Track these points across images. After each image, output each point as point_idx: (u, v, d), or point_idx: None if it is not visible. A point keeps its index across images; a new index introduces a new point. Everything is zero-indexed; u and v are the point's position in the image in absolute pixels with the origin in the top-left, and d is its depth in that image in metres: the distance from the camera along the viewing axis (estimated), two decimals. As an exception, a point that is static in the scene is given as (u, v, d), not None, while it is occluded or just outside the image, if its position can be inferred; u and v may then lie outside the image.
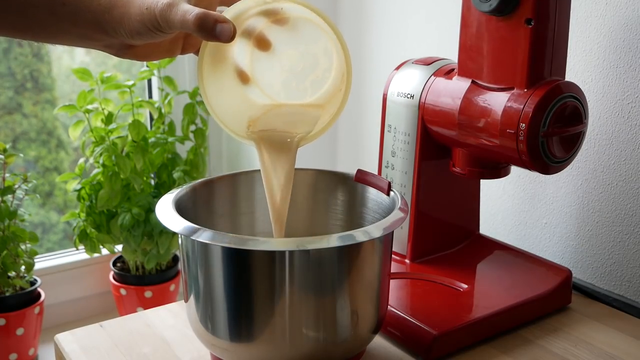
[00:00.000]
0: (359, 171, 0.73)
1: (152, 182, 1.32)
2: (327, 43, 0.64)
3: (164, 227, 0.71)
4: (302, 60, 0.67)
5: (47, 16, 0.58)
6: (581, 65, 0.86)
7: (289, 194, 0.67)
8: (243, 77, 0.67)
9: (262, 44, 0.65)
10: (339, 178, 0.75)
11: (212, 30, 0.56)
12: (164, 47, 0.64)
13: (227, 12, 0.60)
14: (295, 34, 0.65)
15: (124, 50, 0.61)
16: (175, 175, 1.26)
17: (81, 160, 1.27)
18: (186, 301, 0.65)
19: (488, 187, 0.99)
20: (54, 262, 1.36)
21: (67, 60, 1.47)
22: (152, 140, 1.27)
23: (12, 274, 1.20)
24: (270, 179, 0.67)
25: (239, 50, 0.66)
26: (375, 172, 0.79)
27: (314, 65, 0.67)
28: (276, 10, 0.63)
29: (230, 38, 0.56)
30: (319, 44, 0.64)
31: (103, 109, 1.24)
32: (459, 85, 0.74)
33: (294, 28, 0.65)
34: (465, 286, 0.77)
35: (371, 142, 1.21)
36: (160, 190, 1.29)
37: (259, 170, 0.75)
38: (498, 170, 0.77)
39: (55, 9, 0.57)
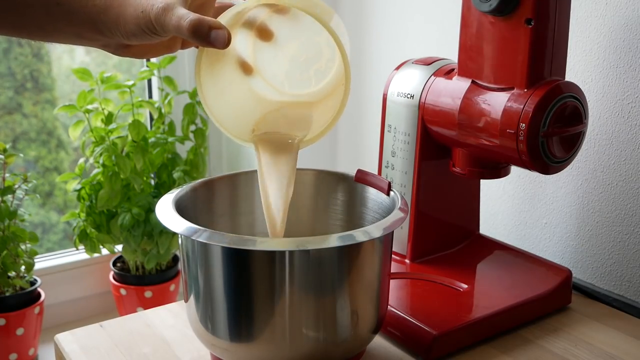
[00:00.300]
0: (359, 171, 0.73)
1: (152, 182, 1.32)
2: None
3: (164, 227, 0.71)
4: (305, 50, 0.66)
5: (42, 15, 0.58)
6: (581, 65, 0.86)
7: (289, 201, 0.66)
8: (246, 68, 0.67)
9: (264, 34, 0.65)
10: (339, 178, 0.75)
11: (206, 37, 0.55)
12: (163, 44, 0.63)
13: (223, 16, 0.60)
14: (298, 24, 0.64)
15: (121, 49, 0.61)
16: (175, 175, 1.26)
17: (81, 160, 1.27)
18: (186, 301, 0.65)
19: (488, 187, 0.99)
20: (54, 262, 1.36)
21: (67, 60, 1.47)
22: (152, 140, 1.27)
23: (12, 274, 1.20)
24: (266, 185, 0.66)
25: (241, 42, 0.65)
26: (375, 172, 0.79)
27: (318, 54, 0.66)
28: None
29: (224, 45, 0.56)
30: (322, 33, 0.64)
31: (103, 109, 1.24)
32: (459, 85, 0.74)
33: (296, 17, 0.64)
34: (465, 286, 0.77)
35: (371, 142, 1.21)
36: (160, 190, 1.29)
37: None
38: (498, 170, 0.77)
39: (50, 9, 0.57)
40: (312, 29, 0.64)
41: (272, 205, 0.65)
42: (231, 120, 0.66)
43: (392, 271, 0.71)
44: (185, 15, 0.55)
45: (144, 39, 0.57)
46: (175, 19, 0.55)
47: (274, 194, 0.65)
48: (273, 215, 0.65)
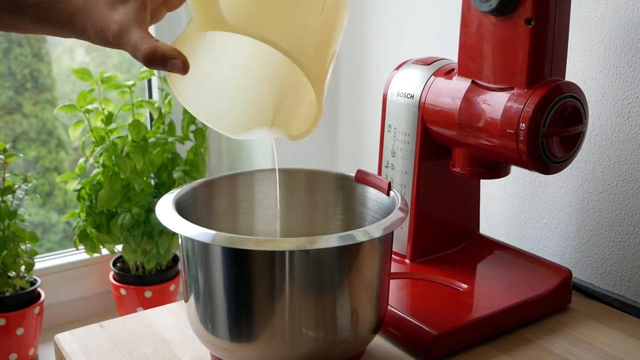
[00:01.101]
0: (359, 171, 0.73)
1: (152, 182, 1.32)
2: None
3: (164, 227, 0.71)
4: None
5: (10, 18, 0.58)
6: (581, 65, 0.86)
7: None
8: None
9: None
10: (339, 178, 0.75)
11: (163, 65, 0.55)
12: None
13: (176, 42, 0.57)
14: None
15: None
16: (175, 175, 1.26)
17: (81, 160, 1.27)
18: (186, 301, 0.65)
19: (488, 187, 0.99)
20: (54, 262, 1.36)
21: (67, 60, 1.47)
22: (152, 140, 1.27)
23: (12, 274, 1.20)
24: None
25: None
26: (375, 172, 0.79)
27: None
28: None
29: (183, 71, 0.55)
30: None
31: (103, 109, 1.24)
32: (459, 85, 0.74)
33: None
34: (465, 286, 0.77)
35: (371, 142, 1.21)
36: (160, 190, 1.29)
37: (259, 170, 0.75)
38: (498, 170, 0.77)
39: (19, 16, 0.58)
40: None
41: None
42: (227, 107, 0.65)
43: (392, 271, 0.71)
44: (139, 44, 0.55)
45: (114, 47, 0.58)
46: (131, 45, 0.55)
47: None
48: None
